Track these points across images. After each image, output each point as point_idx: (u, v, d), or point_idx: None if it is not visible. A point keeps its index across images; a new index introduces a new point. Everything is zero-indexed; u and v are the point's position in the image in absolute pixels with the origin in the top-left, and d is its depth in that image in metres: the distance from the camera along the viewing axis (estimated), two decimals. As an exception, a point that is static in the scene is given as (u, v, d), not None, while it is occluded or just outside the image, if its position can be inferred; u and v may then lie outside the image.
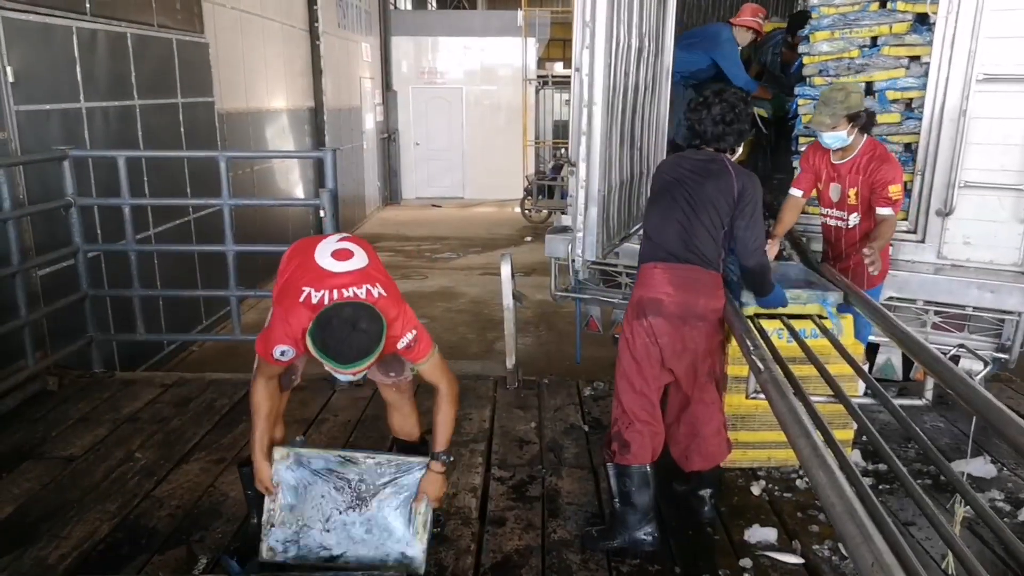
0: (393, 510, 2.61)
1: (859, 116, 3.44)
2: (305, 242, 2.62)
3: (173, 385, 4.33)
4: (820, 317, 3.18)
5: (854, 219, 3.63)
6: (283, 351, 2.34)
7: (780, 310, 3.11)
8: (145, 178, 5.64)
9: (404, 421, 2.89)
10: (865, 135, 3.55)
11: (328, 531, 2.61)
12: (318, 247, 2.50)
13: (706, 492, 3.04)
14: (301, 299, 2.34)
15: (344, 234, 2.71)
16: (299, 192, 9.91)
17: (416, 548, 2.61)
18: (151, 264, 5.76)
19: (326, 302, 2.32)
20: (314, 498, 2.61)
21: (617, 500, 2.84)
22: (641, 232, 2.96)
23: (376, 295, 2.37)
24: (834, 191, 3.65)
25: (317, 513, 2.61)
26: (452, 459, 2.69)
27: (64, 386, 4.22)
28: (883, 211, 3.48)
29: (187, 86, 6.49)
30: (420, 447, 2.90)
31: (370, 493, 2.61)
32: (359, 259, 2.48)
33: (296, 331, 2.31)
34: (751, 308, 3.11)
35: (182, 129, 6.43)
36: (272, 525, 2.60)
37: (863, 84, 4.09)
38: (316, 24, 10.40)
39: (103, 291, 4.97)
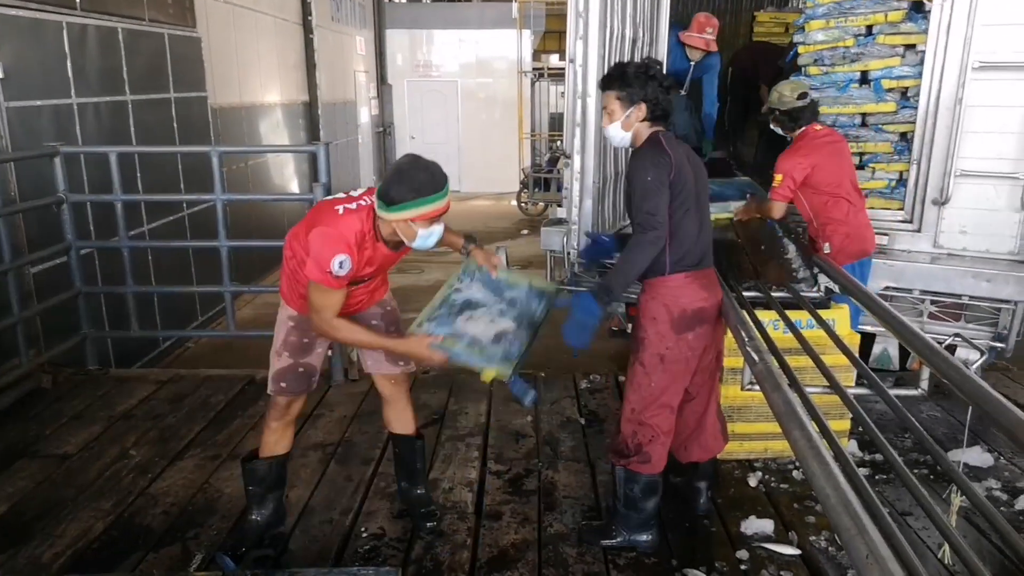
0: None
1: (774, 112, 3.87)
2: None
3: (168, 382, 4.31)
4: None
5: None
6: (341, 261, 2.26)
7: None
8: (138, 174, 5.61)
9: (400, 415, 2.87)
10: (798, 129, 3.84)
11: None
12: (328, 204, 2.43)
13: (703, 484, 3.03)
14: (341, 212, 2.33)
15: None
16: (294, 187, 9.87)
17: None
18: (145, 260, 5.74)
19: (364, 203, 2.35)
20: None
21: (622, 502, 2.80)
22: (662, 236, 2.55)
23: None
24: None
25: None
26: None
27: (58, 384, 4.20)
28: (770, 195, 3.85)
29: (179, 81, 6.45)
30: (417, 440, 2.90)
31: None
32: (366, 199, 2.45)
33: (349, 236, 2.29)
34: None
35: (175, 124, 6.39)
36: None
37: (804, 83, 4.08)
38: (310, 18, 10.35)
39: (96, 288, 4.94)
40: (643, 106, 2.57)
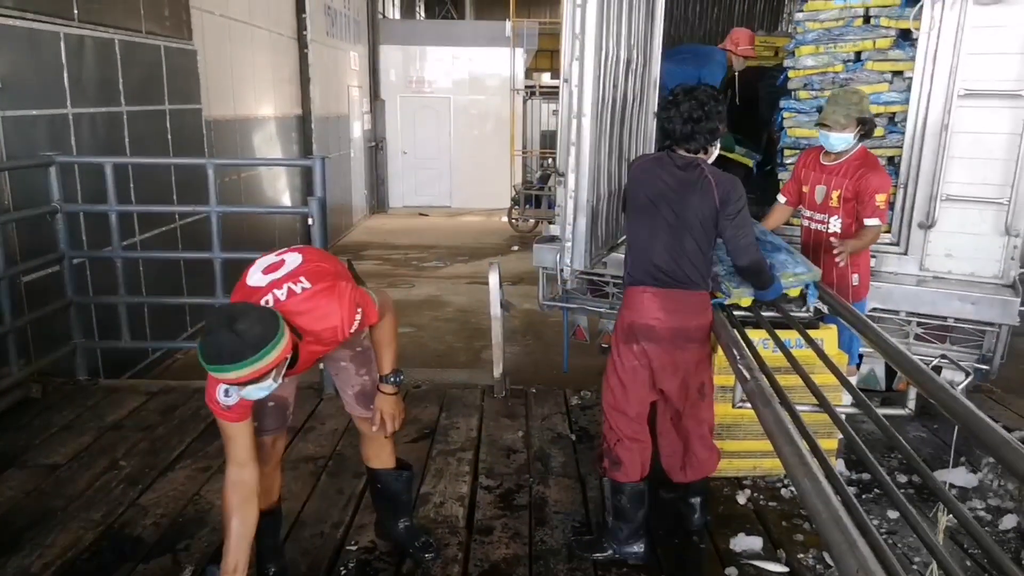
0: None
1: (868, 121, 3.52)
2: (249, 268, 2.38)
3: (158, 393, 4.30)
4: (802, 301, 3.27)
5: (835, 223, 3.62)
6: (226, 389, 2.09)
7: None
8: (131, 184, 5.61)
9: (380, 451, 2.74)
10: (861, 142, 3.60)
11: None
12: (253, 267, 2.29)
13: (696, 500, 3.05)
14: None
15: (292, 247, 2.44)
16: (286, 199, 9.88)
17: None
18: (137, 271, 5.73)
19: (279, 294, 2.14)
20: None
21: (611, 514, 2.86)
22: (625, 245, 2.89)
23: (299, 290, 2.15)
24: (819, 193, 3.65)
25: None
26: (403, 378, 2.57)
27: (48, 393, 4.19)
28: (870, 220, 3.51)
29: (175, 93, 6.48)
30: (402, 472, 2.79)
31: None
32: (290, 263, 2.26)
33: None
34: (745, 299, 3.10)
35: (169, 136, 6.41)
36: None
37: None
38: (304, 32, 10.41)
39: (88, 298, 4.93)
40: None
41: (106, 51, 5.56)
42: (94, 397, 4.21)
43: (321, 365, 3.54)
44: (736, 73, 5.96)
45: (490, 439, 3.82)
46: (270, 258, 2.31)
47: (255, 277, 2.24)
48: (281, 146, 9.75)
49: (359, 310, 2.22)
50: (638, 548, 2.80)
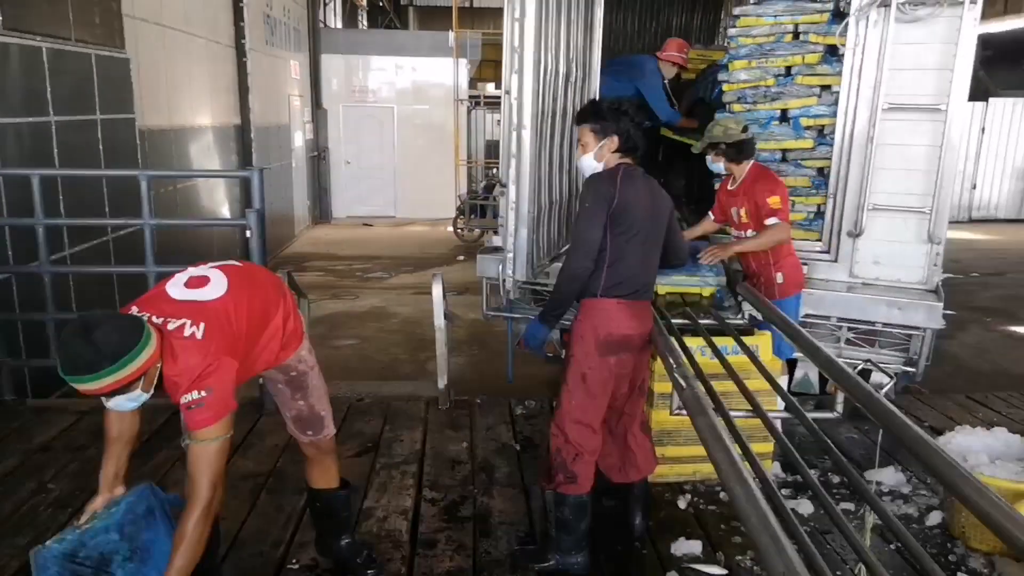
0: None
1: (718, 146, 3.89)
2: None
3: (89, 412, 4.16)
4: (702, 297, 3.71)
5: (749, 236, 3.92)
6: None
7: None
8: (61, 197, 5.43)
9: (325, 472, 2.69)
10: (749, 162, 3.90)
11: None
12: (180, 274, 2.22)
13: (638, 507, 3.09)
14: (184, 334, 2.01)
15: (226, 262, 2.38)
16: (225, 211, 9.68)
17: None
18: (67, 286, 5.53)
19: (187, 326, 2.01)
20: None
21: (554, 525, 2.87)
22: (597, 260, 2.71)
23: (187, 334, 2.00)
24: (734, 213, 3.98)
25: None
26: None
27: (-30, 415, 4.01)
28: (769, 221, 3.78)
29: (107, 102, 6.29)
30: (341, 491, 2.74)
31: None
32: (212, 289, 2.15)
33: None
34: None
35: (101, 147, 6.22)
36: None
37: (742, 119, 4.28)
38: (243, 41, 10.24)
39: (14, 315, 4.74)
40: (615, 138, 2.76)
41: (32, 59, 5.37)
42: (21, 418, 4.05)
43: (261, 380, 3.48)
44: (680, 81, 6.11)
45: (434, 451, 3.81)
46: (200, 270, 2.24)
47: (175, 287, 2.16)
48: (219, 156, 9.55)
49: (202, 393, 1.97)
50: (581, 559, 2.83)
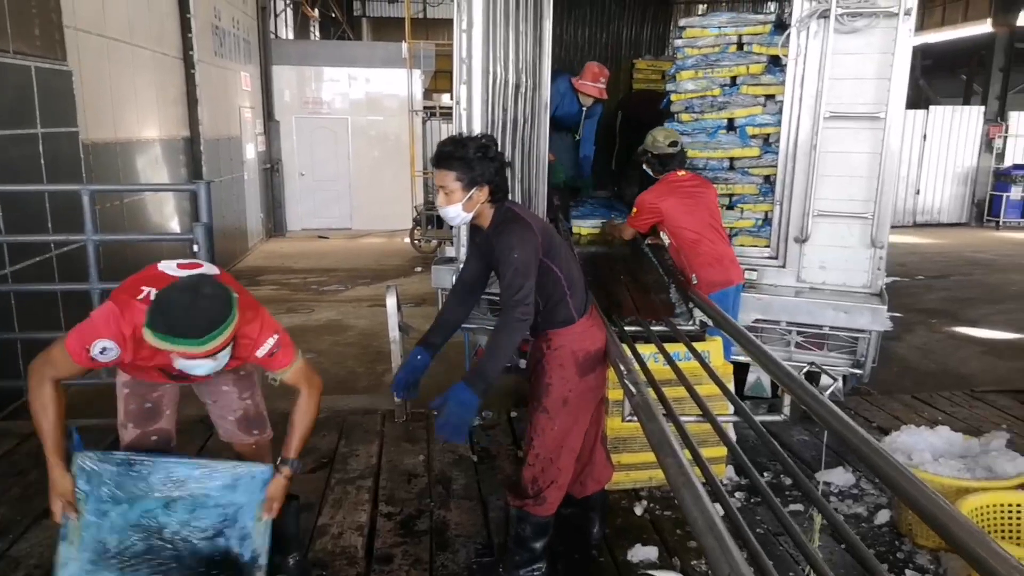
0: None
1: (646, 153, 4.23)
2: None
3: (31, 435, 4.01)
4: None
5: (664, 238, 4.17)
6: (104, 348, 2.05)
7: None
8: (0, 213, 5.26)
9: None
10: (665, 172, 4.17)
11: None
12: (164, 261, 2.31)
13: (595, 514, 3.10)
14: (140, 297, 2.08)
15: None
16: (174, 225, 9.48)
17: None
18: (8, 305, 5.36)
19: None
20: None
21: (512, 541, 2.85)
22: (530, 314, 2.56)
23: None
24: None
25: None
26: (302, 468, 2.51)
27: (-97, 441, 3.85)
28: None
29: (48, 116, 6.13)
30: (290, 502, 2.65)
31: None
32: (208, 269, 2.33)
33: (127, 328, 2.06)
34: None
35: (42, 161, 6.05)
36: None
37: (676, 133, 4.43)
38: (191, 52, 10.07)
39: (-49, 336, 4.58)
40: (487, 188, 2.54)
41: (-32, 72, 5.21)
42: (-42, 443, 3.90)
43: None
44: (629, 94, 6.15)
45: (391, 465, 3.77)
46: (183, 261, 2.31)
47: (170, 268, 2.24)
48: (168, 169, 9.37)
49: (275, 337, 2.24)
50: (538, 572, 2.82)
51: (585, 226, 5.10)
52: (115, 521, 2.33)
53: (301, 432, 2.39)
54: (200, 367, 2.05)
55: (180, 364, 2.03)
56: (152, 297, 2.05)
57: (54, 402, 2.20)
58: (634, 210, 4.17)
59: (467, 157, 2.51)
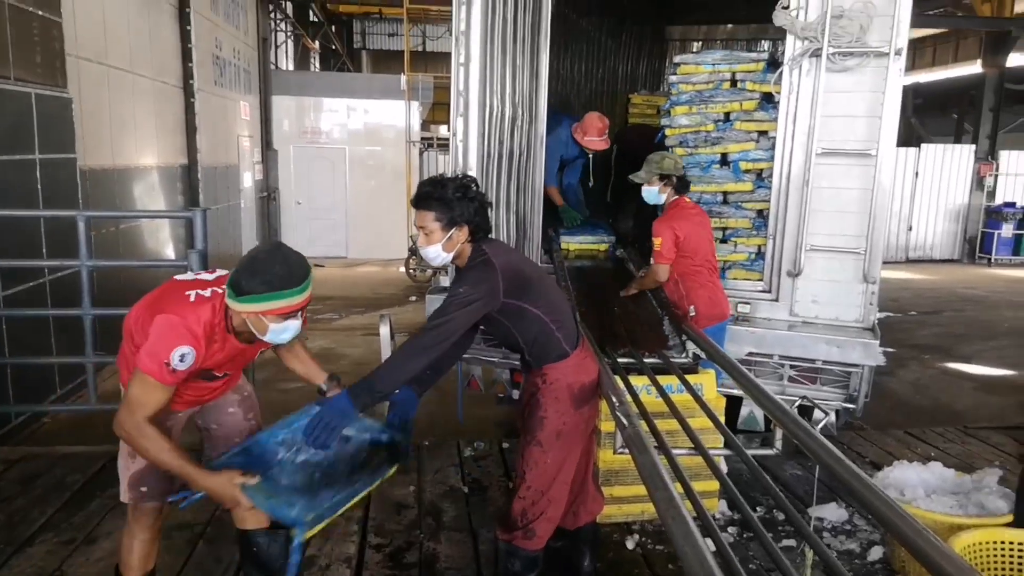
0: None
1: (670, 177, 4.04)
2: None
3: (19, 461, 3.99)
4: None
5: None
6: (183, 355, 2.09)
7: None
8: (-6, 237, 5.26)
9: (256, 511, 2.54)
10: (675, 196, 4.07)
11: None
12: (175, 277, 2.38)
13: (587, 548, 3.06)
14: (192, 299, 2.18)
15: None
16: (170, 252, 9.49)
17: None
18: (-1, 329, 5.33)
19: (218, 290, 2.22)
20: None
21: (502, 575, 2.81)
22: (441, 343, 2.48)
23: None
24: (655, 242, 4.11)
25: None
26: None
27: None
28: (653, 261, 4.02)
29: (47, 142, 6.16)
30: (274, 533, 2.65)
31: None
32: (220, 272, 2.38)
33: (197, 327, 2.12)
34: None
35: (39, 186, 6.06)
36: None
37: (679, 156, 4.47)
38: (191, 81, 10.17)
39: (-60, 360, 4.55)
40: (466, 228, 2.53)
41: (-31, 97, 5.25)
42: (-57, 468, 3.86)
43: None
44: (624, 128, 6.19)
45: (380, 495, 3.73)
46: (190, 280, 2.34)
47: (184, 278, 2.32)
48: (165, 196, 9.40)
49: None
50: None
51: (573, 242, 5.26)
52: (276, 475, 2.39)
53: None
54: (289, 329, 2.20)
55: (274, 329, 2.16)
56: (205, 294, 2.20)
57: (161, 435, 2.16)
58: (657, 242, 3.94)
59: (446, 198, 2.50)
